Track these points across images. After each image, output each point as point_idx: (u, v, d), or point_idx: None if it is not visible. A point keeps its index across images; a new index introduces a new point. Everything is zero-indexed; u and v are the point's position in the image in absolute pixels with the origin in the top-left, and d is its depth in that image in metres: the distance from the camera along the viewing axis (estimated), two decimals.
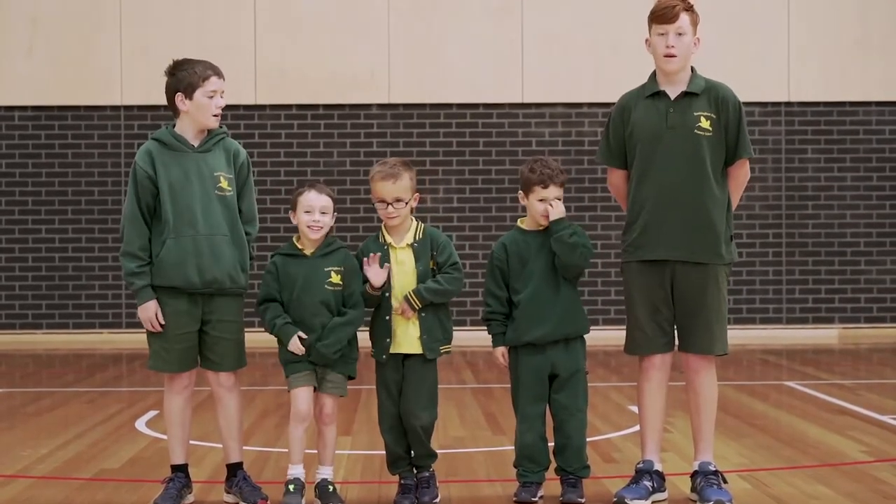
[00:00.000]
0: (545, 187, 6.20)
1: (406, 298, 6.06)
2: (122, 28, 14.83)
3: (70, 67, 14.83)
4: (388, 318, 6.10)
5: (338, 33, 14.94)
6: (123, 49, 14.79)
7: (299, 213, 6.08)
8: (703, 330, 6.13)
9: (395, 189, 6.05)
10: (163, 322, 6.03)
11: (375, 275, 6.06)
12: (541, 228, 6.26)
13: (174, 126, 6.13)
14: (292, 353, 6.05)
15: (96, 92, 14.87)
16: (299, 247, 6.13)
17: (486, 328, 6.33)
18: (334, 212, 6.15)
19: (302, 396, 6.07)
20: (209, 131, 6.13)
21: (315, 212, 6.05)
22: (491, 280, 6.32)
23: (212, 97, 6.04)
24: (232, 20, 14.86)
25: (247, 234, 6.17)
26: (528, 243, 6.25)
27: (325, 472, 6.13)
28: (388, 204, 6.06)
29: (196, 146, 6.09)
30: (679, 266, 6.10)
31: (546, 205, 6.19)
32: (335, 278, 6.05)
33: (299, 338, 6.02)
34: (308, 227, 6.05)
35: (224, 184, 6.08)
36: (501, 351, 6.30)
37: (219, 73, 6.09)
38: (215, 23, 14.83)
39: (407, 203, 6.08)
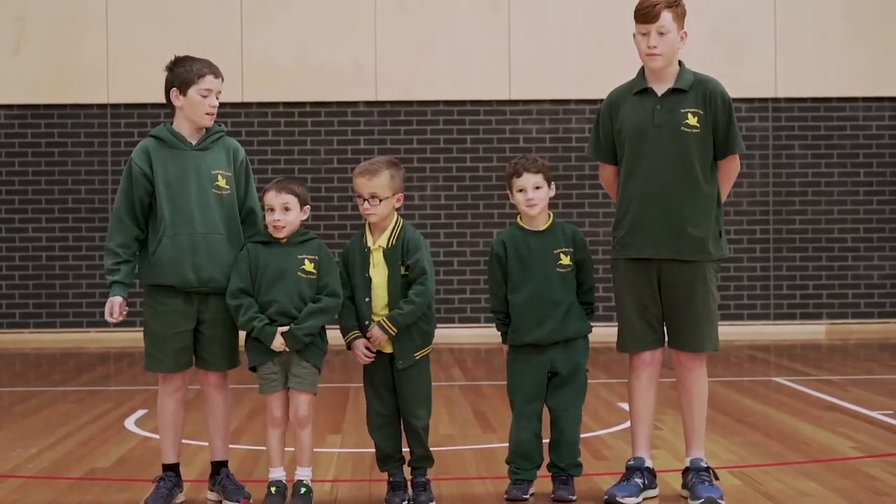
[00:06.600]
0: (519, 176, 6.20)
1: (380, 325, 5.97)
2: (108, 26, 14.78)
3: (56, 65, 14.78)
4: (367, 322, 6.03)
5: (324, 30, 14.91)
6: (110, 47, 14.74)
7: (266, 211, 6.04)
8: (692, 327, 6.12)
9: (371, 185, 5.99)
10: (120, 316, 5.96)
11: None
12: (540, 229, 6.25)
13: (172, 123, 6.13)
14: (264, 349, 5.95)
15: (83, 90, 14.81)
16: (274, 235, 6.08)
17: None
18: (305, 205, 6.07)
19: (275, 402, 6.04)
20: (207, 129, 6.12)
21: (277, 210, 5.98)
22: (490, 277, 6.32)
23: (206, 96, 6.03)
24: (218, 17, 14.81)
25: (257, 232, 6.14)
26: (528, 243, 6.23)
27: (301, 474, 6.06)
28: (364, 199, 6.04)
29: (194, 144, 6.08)
30: (666, 264, 6.09)
31: (526, 195, 6.18)
32: (308, 266, 5.98)
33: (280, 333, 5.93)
34: (273, 226, 6.00)
35: (222, 182, 6.07)
36: (505, 349, 6.32)
37: (216, 73, 6.07)
38: (202, 20, 14.78)
39: (383, 200, 6.00)
